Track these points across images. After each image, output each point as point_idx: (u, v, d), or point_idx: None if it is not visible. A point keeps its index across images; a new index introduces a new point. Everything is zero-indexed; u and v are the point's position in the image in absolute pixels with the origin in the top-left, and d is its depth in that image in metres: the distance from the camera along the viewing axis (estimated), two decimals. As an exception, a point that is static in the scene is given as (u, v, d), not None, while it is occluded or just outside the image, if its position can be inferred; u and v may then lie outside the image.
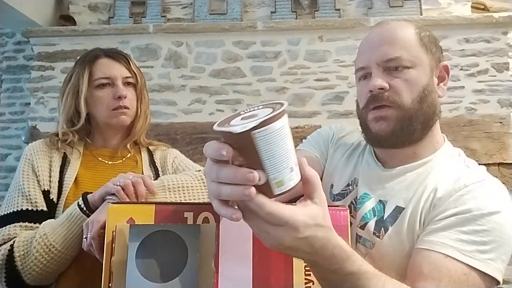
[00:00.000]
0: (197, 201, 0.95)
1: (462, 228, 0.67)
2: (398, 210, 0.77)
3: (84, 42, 2.43)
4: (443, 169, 0.78)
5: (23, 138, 2.59)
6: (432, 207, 0.74)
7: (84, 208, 0.87)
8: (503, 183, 0.77)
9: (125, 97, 1.05)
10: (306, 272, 0.60)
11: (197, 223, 0.59)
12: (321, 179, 0.91)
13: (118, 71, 1.07)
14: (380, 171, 0.85)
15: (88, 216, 0.85)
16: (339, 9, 2.47)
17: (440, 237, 0.68)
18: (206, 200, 0.95)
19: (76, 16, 2.58)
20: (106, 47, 1.14)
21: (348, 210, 0.67)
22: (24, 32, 2.42)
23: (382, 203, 0.81)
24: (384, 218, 0.79)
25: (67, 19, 2.52)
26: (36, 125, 2.41)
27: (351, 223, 0.75)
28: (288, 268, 0.59)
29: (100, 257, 0.75)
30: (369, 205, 0.82)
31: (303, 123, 2.32)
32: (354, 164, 0.92)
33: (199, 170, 1.10)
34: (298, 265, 0.59)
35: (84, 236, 0.81)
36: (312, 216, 0.48)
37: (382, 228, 0.78)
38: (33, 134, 2.37)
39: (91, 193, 0.90)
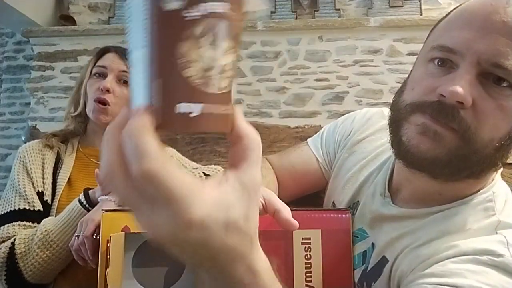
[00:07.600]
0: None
1: None
2: (382, 263, 0.59)
3: (84, 42, 2.42)
4: (452, 226, 0.54)
5: (23, 138, 2.58)
6: (409, 268, 0.53)
7: (85, 203, 0.85)
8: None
9: (107, 91, 0.98)
10: (307, 278, 0.60)
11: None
12: (324, 192, 0.81)
13: (115, 63, 1.03)
14: (380, 205, 0.64)
15: (89, 211, 0.83)
16: (339, 9, 2.47)
17: None
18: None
19: (76, 16, 2.57)
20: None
21: (350, 214, 0.66)
22: (24, 32, 2.41)
23: (374, 247, 0.62)
24: (368, 270, 0.61)
25: (67, 19, 2.51)
26: (36, 125, 2.41)
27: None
28: (288, 273, 0.59)
29: (90, 260, 0.74)
30: (362, 246, 0.64)
31: (303, 123, 2.32)
32: (363, 181, 0.70)
33: (197, 168, 1.10)
34: (299, 270, 0.59)
35: (75, 235, 0.78)
36: (227, 205, 0.27)
37: (365, 283, 0.61)
38: (33, 134, 2.36)
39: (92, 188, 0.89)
